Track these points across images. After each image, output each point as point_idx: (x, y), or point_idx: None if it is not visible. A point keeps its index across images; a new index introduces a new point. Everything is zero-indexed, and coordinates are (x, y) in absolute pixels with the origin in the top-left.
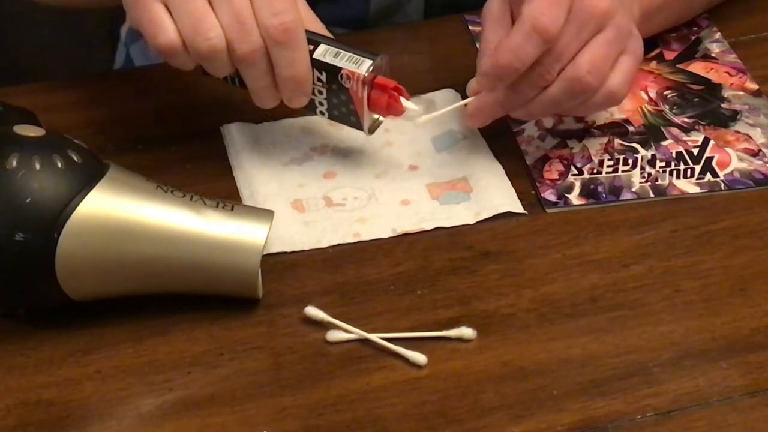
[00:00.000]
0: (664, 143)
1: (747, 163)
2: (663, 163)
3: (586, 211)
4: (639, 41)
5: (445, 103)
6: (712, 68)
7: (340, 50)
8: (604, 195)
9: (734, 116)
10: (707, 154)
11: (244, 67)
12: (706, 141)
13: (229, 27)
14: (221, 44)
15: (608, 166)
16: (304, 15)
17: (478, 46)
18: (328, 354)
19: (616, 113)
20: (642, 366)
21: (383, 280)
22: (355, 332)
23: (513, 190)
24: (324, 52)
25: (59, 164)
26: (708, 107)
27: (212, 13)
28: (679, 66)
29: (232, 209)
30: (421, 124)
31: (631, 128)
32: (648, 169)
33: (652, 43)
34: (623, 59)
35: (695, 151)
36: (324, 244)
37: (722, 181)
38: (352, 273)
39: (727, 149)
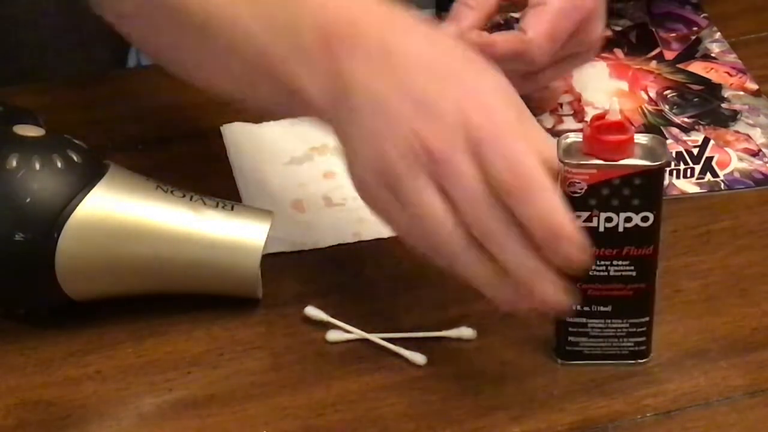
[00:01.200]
0: None
1: (747, 163)
2: None
3: None
4: None
5: None
6: (712, 68)
7: None
8: None
9: (734, 116)
10: (707, 154)
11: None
12: (706, 141)
13: (466, 214)
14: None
15: None
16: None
17: None
18: (328, 354)
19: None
20: (642, 366)
21: (383, 280)
22: (355, 332)
23: None
24: None
25: (59, 164)
26: (708, 107)
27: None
28: (679, 66)
29: (232, 209)
30: None
31: None
32: None
33: (652, 42)
34: None
35: (695, 151)
36: (324, 244)
37: (722, 181)
38: (352, 273)
39: (727, 149)
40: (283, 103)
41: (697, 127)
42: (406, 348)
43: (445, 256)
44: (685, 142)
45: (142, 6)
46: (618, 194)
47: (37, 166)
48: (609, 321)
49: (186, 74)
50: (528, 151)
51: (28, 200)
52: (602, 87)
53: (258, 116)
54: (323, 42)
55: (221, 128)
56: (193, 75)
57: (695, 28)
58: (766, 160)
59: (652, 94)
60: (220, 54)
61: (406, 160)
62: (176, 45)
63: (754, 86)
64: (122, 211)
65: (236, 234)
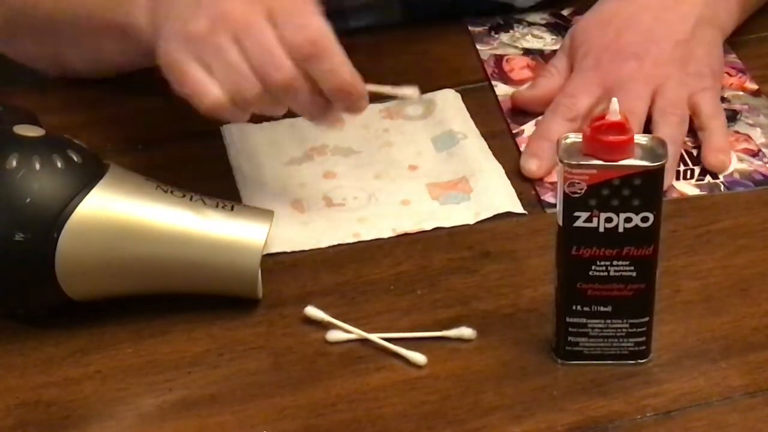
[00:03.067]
0: None
1: (747, 164)
2: None
3: None
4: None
5: (445, 103)
6: None
7: None
8: None
9: (734, 116)
10: (702, 154)
11: (289, 98)
12: None
13: (260, 64)
14: (260, 88)
15: None
16: None
17: (478, 46)
18: (328, 354)
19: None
20: (642, 366)
21: (383, 280)
22: (355, 332)
23: (513, 190)
24: None
25: (59, 164)
26: None
27: (243, 60)
28: None
29: (232, 209)
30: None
31: None
32: None
33: None
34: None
35: (695, 152)
36: (324, 244)
37: (722, 182)
38: (352, 273)
39: None
40: (125, 50)
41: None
42: (406, 348)
43: (247, 99)
44: (684, 142)
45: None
46: (618, 194)
47: (37, 166)
48: (609, 321)
49: (50, 63)
50: (320, 20)
51: (28, 200)
52: None
53: (258, 116)
54: None
55: (221, 128)
56: (54, 60)
57: None
58: (766, 160)
59: None
60: (67, 31)
61: (212, 27)
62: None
63: (753, 86)
64: (122, 211)
65: (236, 234)
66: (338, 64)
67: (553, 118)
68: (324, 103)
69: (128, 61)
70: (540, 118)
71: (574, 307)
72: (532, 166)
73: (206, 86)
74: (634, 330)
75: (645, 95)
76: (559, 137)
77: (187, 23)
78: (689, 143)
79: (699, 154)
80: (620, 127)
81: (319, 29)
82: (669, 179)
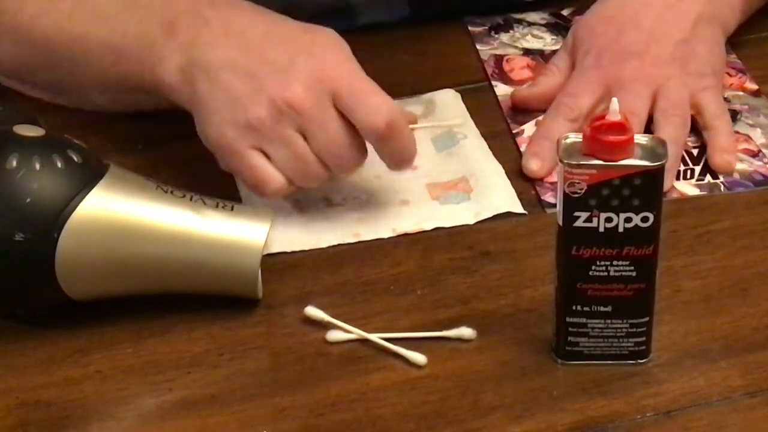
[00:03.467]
0: None
1: (747, 164)
2: None
3: None
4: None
5: (444, 103)
6: None
7: None
8: None
9: (734, 116)
10: (707, 155)
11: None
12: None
13: (329, 155)
14: (327, 174)
15: None
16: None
17: (478, 46)
18: (328, 354)
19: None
20: (642, 366)
21: (383, 280)
22: (355, 332)
23: (513, 190)
24: None
25: (59, 164)
26: None
27: (310, 151)
28: None
29: (232, 209)
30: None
31: None
32: None
33: None
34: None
35: (695, 151)
36: (324, 244)
37: (722, 182)
38: (352, 273)
39: None
40: (158, 101)
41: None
42: (406, 348)
43: (312, 184)
44: (685, 142)
45: (17, 52)
46: (618, 194)
47: (37, 166)
48: (609, 321)
49: (60, 98)
50: (388, 99)
51: (28, 200)
52: None
53: None
54: (169, 28)
55: None
56: (63, 96)
57: None
58: (766, 161)
59: None
60: (100, 82)
61: (276, 117)
62: (48, 73)
63: (753, 86)
64: (122, 211)
65: (236, 234)
66: (408, 140)
67: (554, 118)
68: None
69: (155, 105)
70: (540, 117)
71: (574, 307)
72: (533, 165)
73: (269, 175)
74: (634, 330)
75: (646, 95)
76: (559, 137)
77: (247, 110)
78: (689, 143)
79: (699, 153)
80: (620, 127)
81: (390, 110)
82: (670, 180)
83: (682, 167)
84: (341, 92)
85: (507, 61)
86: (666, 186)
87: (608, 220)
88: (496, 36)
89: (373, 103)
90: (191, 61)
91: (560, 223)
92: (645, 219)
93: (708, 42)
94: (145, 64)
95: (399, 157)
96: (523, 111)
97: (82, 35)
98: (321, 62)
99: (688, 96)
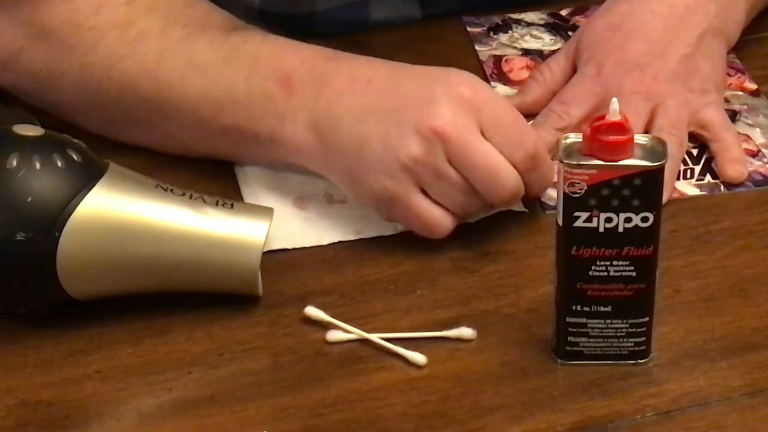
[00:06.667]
0: None
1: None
2: None
3: None
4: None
5: None
6: None
7: None
8: None
9: (733, 116)
10: (707, 155)
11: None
12: None
13: (484, 185)
14: (484, 203)
15: None
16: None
17: (477, 47)
18: (328, 354)
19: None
20: (642, 366)
21: (383, 280)
22: (355, 332)
23: None
24: None
25: (59, 163)
26: None
27: (472, 188)
28: None
29: (232, 207)
30: None
31: None
32: None
33: None
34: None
35: (695, 151)
36: (325, 242)
37: (722, 183)
38: (352, 273)
39: None
40: (268, 155)
41: None
42: (406, 348)
43: (469, 214)
44: (680, 162)
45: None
46: (618, 194)
47: (38, 166)
48: (609, 321)
49: (158, 146)
50: (532, 130)
51: (28, 200)
52: None
53: None
54: (285, 83)
55: None
56: (167, 147)
57: None
58: (765, 161)
59: None
60: (193, 129)
61: (427, 149)
62: (142, 126)
63: (752, 86)
64: (123, 209)
65: (236, 231)
66: (549, 169)
67: (542, 126)
68: None
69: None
70: (533, 122)
71: (574, 307)
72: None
73: (438, 218)
74: (634, 330)
75: (644, 110)
76: (558, 138)
77: (398, 151)
78: (689, 144)
79: (699, 153)
80: (620, 127)
81: (535, 143)
82: (668, 193)
83: (682, 167)
84: (486, 122)
85: (506, 61)
86: (664, 198)
87: (608, 220)
88: (495, 36)
89: (518, 136)
90: (319, 117)
91: (560, 223)
92: (645, 219)
93: (712, 56)
94: (260, 122)
95: (541, 187)
96: None
97: (173, 83)
98: (459, 90)
99: (688, 115)
